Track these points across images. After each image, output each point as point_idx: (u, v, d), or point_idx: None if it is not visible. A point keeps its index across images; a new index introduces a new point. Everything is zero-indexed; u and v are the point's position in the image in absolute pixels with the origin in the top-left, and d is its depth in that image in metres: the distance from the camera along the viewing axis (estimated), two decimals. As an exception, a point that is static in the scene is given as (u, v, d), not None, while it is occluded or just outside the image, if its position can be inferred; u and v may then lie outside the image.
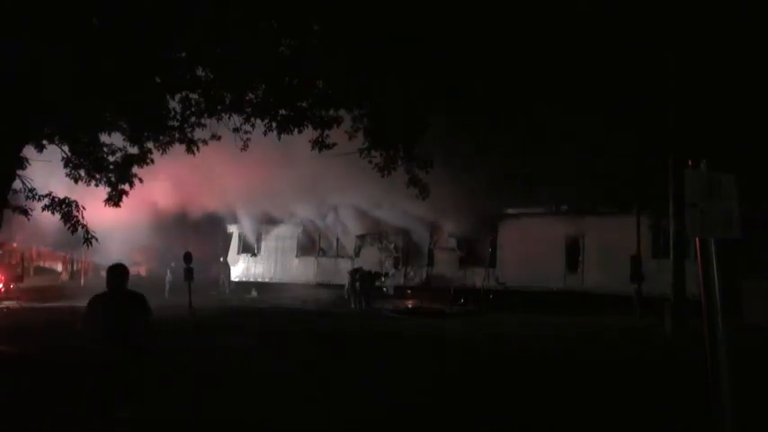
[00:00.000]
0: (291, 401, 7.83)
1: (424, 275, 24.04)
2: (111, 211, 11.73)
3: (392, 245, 24.75)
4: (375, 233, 24.92)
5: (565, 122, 16.75)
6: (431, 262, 24.05)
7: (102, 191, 11.46)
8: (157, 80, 9.66)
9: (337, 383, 9.01)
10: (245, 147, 11.53)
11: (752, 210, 11.20)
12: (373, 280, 22.27)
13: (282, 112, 10.37)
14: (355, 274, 22.24)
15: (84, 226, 9.90)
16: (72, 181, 11.18)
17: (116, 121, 10.41)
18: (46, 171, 11.30)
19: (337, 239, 26.10)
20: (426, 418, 7.14)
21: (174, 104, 10.31)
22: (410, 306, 22.13)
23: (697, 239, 3.99)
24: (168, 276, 27.05)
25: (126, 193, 11.29)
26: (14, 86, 7.95)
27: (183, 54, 9.56)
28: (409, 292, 24.21)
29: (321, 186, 23.29)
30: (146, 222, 26.43)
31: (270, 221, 27.42)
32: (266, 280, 27.56)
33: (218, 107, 10.40)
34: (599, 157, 17.25)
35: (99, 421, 5.55)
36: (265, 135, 10.77)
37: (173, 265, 26.87)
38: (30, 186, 10.02)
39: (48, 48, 7.58)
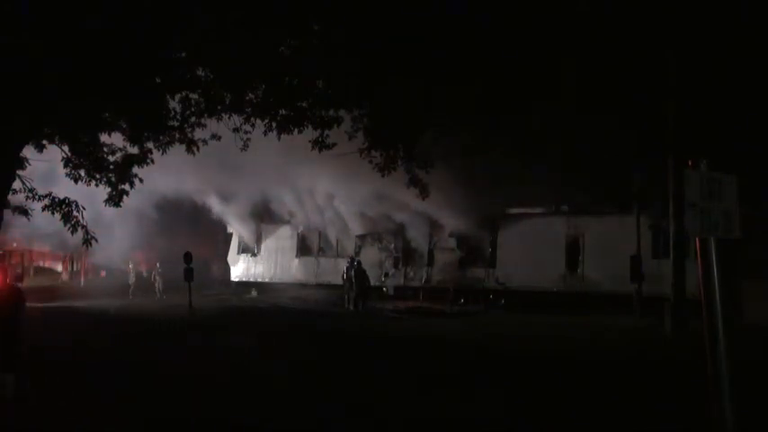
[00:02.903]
0: (291, 401, 7.83)
1: (424, 275, 24.02)
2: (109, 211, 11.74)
3: (392, 245, 24.73)
4: (375, 233, 24.90)
5: (565, 122, 16.73)
6: (431, 262, 24.01)
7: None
8: (157, 80, 9.65)
9: (337, 383, 9.01)
10: (245, 147, 11.52)
11: (752, 210, 11.17)
12: (365, 276, 22.09)
13: (282, 112, 10.34)
14: (350, 270, 22.18)
15: (84, 226, 9.89)
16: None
17: (116, 121, 10.37)
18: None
19: (337, 239, 26.09)
20: (426, 417, 7.14)
21: (174, 104, 10.28)
22: (410, 306, 22.09)
23: (697, 239, 3.99)
24: (156, 278, 26.86)
25: (126, 193, 11.27)
26: (14, 86, 7.95)
27: (183, 54, 9.54)
28: (409, 292, 24.19)
29: (321, 186, 23.29)
30: (145, 222, 26.42)
31: (269, 221, 27.41)
32: (266, 280, 27.53)
33: (218, 107, 10.36)
34: (599, 157, 17.24)
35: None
36: (265, 135, 10.75)
37: (157, 265, 26.76)
38: (30, 186, 10.01)
39: (48, 48, 7.57)
